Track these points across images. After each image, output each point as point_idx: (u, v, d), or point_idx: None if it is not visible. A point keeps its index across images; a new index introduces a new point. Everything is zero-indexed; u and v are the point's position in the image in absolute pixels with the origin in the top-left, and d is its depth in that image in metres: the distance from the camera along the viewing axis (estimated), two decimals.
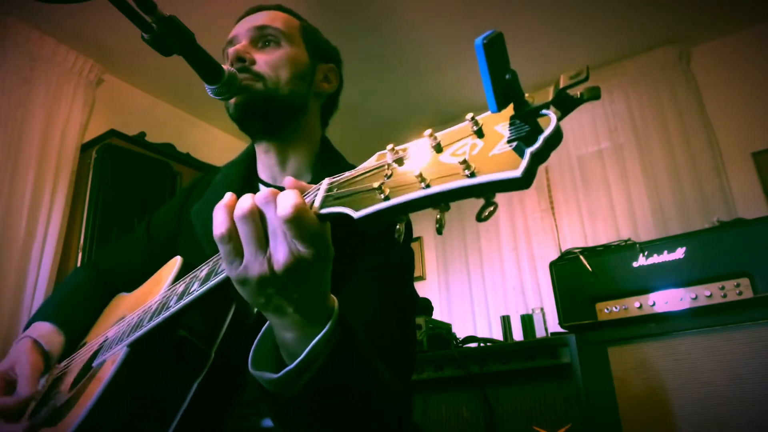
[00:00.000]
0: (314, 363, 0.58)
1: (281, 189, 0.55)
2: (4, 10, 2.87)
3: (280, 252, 0.53)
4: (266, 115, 1.00)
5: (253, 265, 0.54)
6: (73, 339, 1.00)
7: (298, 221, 0.51)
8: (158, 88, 3.64)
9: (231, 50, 0.99)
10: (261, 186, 1.07)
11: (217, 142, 3.98)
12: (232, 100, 0.98)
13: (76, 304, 1.07)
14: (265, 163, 1.07)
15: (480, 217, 0.45)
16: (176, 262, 0.90)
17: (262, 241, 0.54)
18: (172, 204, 1.18)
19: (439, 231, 0.48)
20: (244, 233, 0.54)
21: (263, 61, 1.00)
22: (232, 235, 0.55)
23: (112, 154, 2.92)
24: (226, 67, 0.91)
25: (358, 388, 0.65)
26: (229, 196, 0.58)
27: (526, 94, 0.44)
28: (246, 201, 0.55)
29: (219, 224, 0.56)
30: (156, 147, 3.18)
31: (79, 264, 2.73)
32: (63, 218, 2.89)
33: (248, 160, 1.11)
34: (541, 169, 0.77)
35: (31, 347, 0.92)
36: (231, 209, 0.56)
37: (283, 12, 1.10)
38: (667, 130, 3.35)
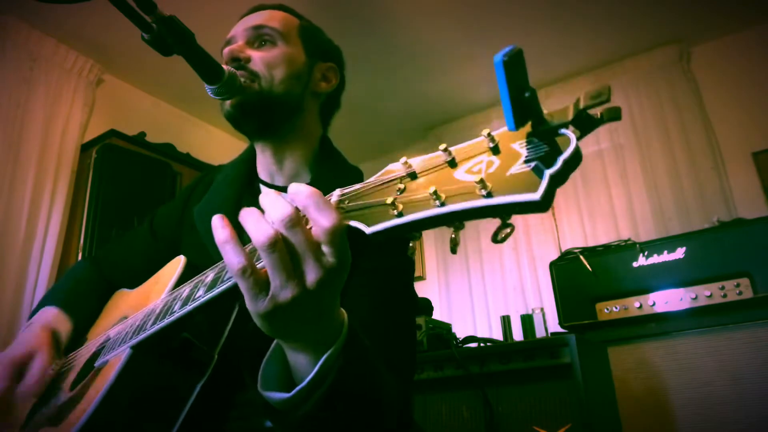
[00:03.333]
0: (326, 379, 0.56)
1: (279, 188, 0.54)
2: (4, 10, 2.87)
3: (312, 270, 0.50)
4: (260, 114, 0.99)
5: (283, 291, 0.50)
6: (79, 329, 1.00)
7: (341, 236, 0.48)
8: (158, 88, 3.64)
9: (226, 50, 0.99)
10: (262, 187, 1.06)
11: (217, 142, 3.98)
12: (228, 101, 0.97)
13: (82, 294, 1.06)
14: (263, 163, 1.07)
15: (496, 239, 0.44)
16: (179, 262, 0.88)
17: (290, 265, 0.50)
18: (174, 203, 1.18)
19: (453, 250, 0.45)
20: (273, 262, 0.49)
21: (258, 59, 1.00)
22: (254, 266, 0.50)
23: (112, 154, 2.92)
24: (226, 67, 0.91)
25: (367, 396, 0.64)
26: (226, 233, 0.51)
27: (545, 111, 0.42)
28: (267, 228, 0.49)
29: (234, 261, 0.50)
30: (156, 147, 3.18)
31: None
32: (63, 218, 2.89)
33: (249, 159, 1.11)
34: None
35: (49, 339, 0.91)
36: (236, 240, 0.51)
37: (283, 11, 1.09)
38: (667, 130, 3.35)
